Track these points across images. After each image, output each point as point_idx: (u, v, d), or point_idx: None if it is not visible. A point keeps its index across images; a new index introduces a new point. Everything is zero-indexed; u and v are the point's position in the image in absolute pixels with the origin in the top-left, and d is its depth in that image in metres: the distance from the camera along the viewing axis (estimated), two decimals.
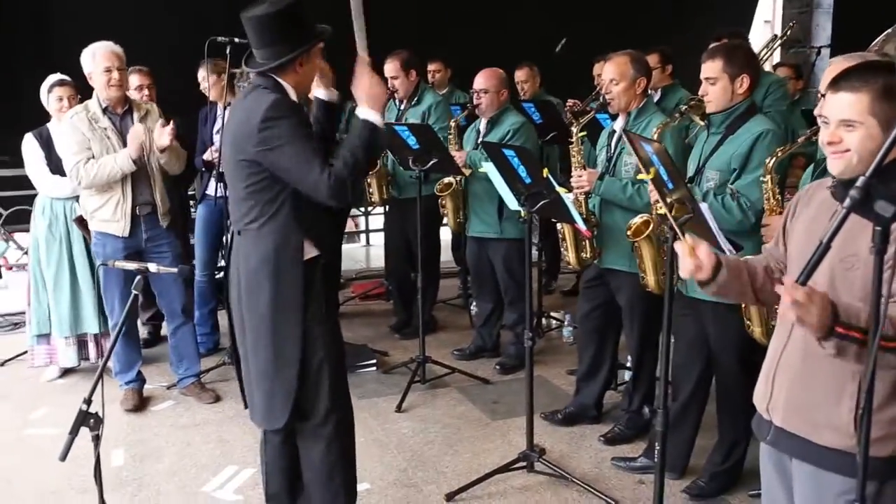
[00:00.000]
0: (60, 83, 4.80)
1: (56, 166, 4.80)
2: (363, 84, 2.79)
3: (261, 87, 2.77)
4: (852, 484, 1.94)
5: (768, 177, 3.07)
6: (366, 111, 2.77)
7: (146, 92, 5.20)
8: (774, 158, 3.06)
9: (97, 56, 4.22)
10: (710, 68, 3.31)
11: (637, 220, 3.54)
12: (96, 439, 2.54)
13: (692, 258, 2.08)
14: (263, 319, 2.82)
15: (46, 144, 4.82)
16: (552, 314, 6.02)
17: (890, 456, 1.96)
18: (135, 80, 5.20)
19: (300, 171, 2.65)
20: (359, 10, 3.33)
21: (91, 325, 4.92)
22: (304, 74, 2.82)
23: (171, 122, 4.34)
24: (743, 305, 3.18)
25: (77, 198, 4.79)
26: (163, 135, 4.23)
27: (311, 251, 2.81)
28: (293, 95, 2.80)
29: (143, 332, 5.58)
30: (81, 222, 4.77)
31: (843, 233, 1.91)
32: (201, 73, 5.09)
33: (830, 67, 2.65)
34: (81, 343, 5.00)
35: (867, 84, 1.96)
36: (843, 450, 1.99)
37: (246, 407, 3.07)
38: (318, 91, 3.03)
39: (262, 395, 2.91)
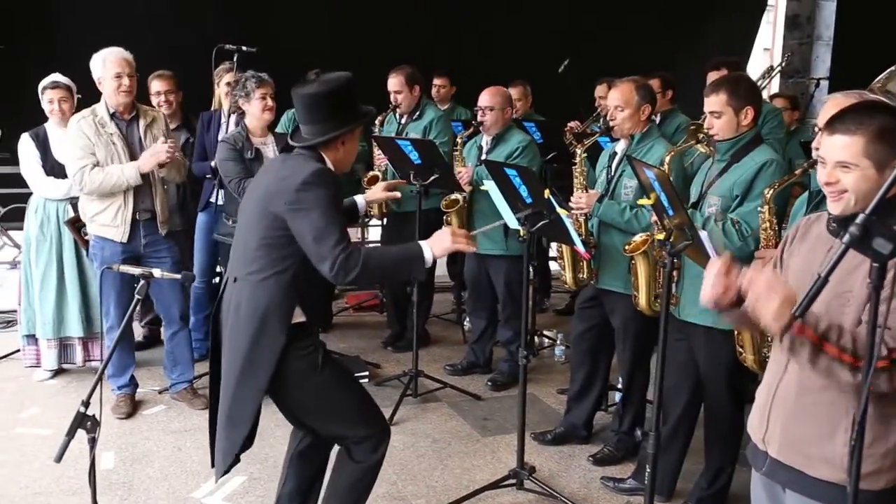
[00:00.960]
0: (53, 86, 4.81)
1: (51, 167, 4.82)
2: (445, 235, 2.89)
3: (306, 155, 2.84)
4: None
5: (766, 207, 3.11)
6: (427, 247, 2.85)
7: (163, 98, 5.21)
8: (773, 190, 3.10)
9: (108, 62, 4.25)
10: (715, 102, 3.34)
11: (637, 238, 3.57)
12: (92, 442, 2.55)
13: (726, 277, 1.99)
14: (233, 371, 2.84)
15: (42, 145, 4.84)
16: (545, 333, 6.04)
17: (882, 489, 2.00)
18: (155, 85, 5.22)
19: (316, 238, 2.70)
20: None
21: (74, 329, 4.93)
22: (345, 152, 2.92)
23: (170, 139, 4.36)
24: (736, 332, 3.21)
25: (71, 199, 4.81)
26: (160, 153, 4.25)
27: (299, 316, 2.85)
28: (333, 170, 2.87)
29: (139, 334, 5.59)
30: (74, 225, 4.79)
31: (839, 269, 1.96)
32: (228, 77, 5.02)
33: (829, 103, 2.69)
34: (64, 346, 5.02)
35: (862, 126, 2.00)
36: (837, 483, 2.01)
37: (213, 465, 3.02)
38: (359, 197, 3.30)
39: (218, 440, 2.96)
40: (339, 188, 2.83)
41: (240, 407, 2.84)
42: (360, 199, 3.34)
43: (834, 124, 2.06)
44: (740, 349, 3.24)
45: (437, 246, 2.86)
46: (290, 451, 3.16)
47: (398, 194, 3.67)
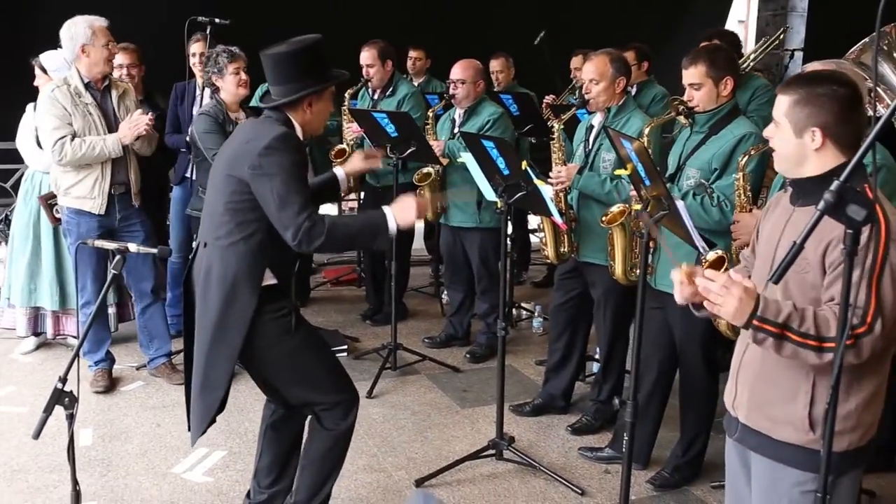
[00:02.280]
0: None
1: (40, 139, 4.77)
2: (408, 203, 2.86)
3: (272, 118, 2.82)
4: (807, 476, 2.06)
5: (740, 174, 3.12)
6: (391, 217, 2.82)
7: (125, 71, 5.14)
8: (747, 157, 3.12)
9: (97, 31, 4.15)
10: (694, 74, 3.33)
11: (615, 208, 3.58)
12: (71, 418, 2.52)
13: (689, 285, 2.09)
14: (205, 336, 2.83)
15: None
16: (523, 305, 6.07)
17: (844, 451, 2.05)
18: (119, 58, 5.14)
19: (279, 206, 2.67)
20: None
21: (46, 301, 4.91)
22: (313, 115, 2.88)
23: (150, 113, 4.31)
24: None
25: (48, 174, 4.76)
26: (140, 125, 4.20)
27: (270, 279, 2.83)
28: (300, 134, 2.84)
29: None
30: (46, 202, 4.74)
31: (792, 238, 2.02)
32: (196, 48, 5.03)
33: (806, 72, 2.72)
34: (37, 316, 5.01)
35: (793, 88, 2.10)
36: (799, 444, 2.09)
37: (189, 428, 3.03)
38: (339, 169, 3.23)
39: (193, 405, 2.95)
40: (305, 154, 2.80)
41: (214, 370, 2.83)
42: (339, 172, 3.30)
43: (786, 83, 2.18)
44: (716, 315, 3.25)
45: (401, 217, 2.83)
46: (263, 423, 3.17)
47: (378, 163, 3.62)
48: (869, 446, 2.13)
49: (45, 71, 4.74)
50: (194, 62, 5.07)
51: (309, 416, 3.05)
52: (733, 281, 1.96)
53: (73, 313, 4.98)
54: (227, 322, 2.78)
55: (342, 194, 3.38)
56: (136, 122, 4.22)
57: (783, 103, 2.11)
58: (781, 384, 2.11)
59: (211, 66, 4.31)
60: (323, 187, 3.26)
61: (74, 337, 5.10)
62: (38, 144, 4.76)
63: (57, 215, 4.74)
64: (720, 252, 3.06)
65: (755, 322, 1.94)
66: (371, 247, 2.95)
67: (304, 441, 3.09)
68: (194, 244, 5.14)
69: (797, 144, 2.09)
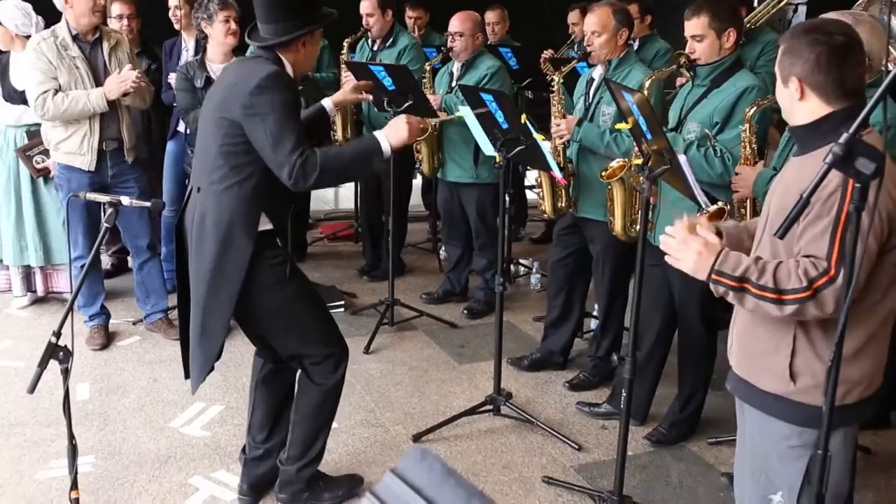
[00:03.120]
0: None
1: (8, 94, 4.67)
2: (400, 121, 2.81)
3: (262, 57, 2.76)
4: (792, 430, 2.07)
5: (746, 125, 3.07)
6: (384, 139, 2.78)
7: (125, 23, 5.05)
8: (756, 108, 3.06)
9: None
10: (696, 25, 3.27)
11: (614, 163, 3.54)
12: (65, 372, 2.52)
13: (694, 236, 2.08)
14: (202, 282, 2.78)
15: (2, 71, 4.68)
16: (521, 261, 6.05)
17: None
18: (116, 8, 5.05)
19: (273, 145, 2.62)
20: None
21: (33, 259, 4.87)
22: (305, 54, 2.83)
23: (139, 69, 4.22)
24: None
25: (27, 127, 4.68)
26: (127, 81, 4.10)
27: (265, 224, 2.79)
28: (291, 73, 2.78)
29: (106, 262, 5.53)
30: (25, 153, 4.67)
31: (782, 189, 2.01)
32: (174, 1, 4.95)
33: None
34: (27, 275, 4.99)
35: (784, 38, 2.13)
36: (781, 395, 2.09)
37: (186, 377, 3.01)
38: (328, 101, 3.14)
39: (192, 354, 2.92)
40: (297, 93, 2.75)
41: (212, 317, 2.80)
42: (327, 103, 3.19)
43: (784, 34, 2.20)
44: None
45: (393, 137, 2.79)
46: (253, 378, 3.15)
47: (369, 96, 3.50)
48: (862, 404, 2.11)
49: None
50: (173, 14, 5.00)
51: (298, 372, 3.03)
52: (693, 235, 2.00)
53: (62, 269, 4.97)
54: (223, 268, 2.74)
55: (331, 126, 3.27)
56: (123, 78, 4.11)
57: (778, 53, 2.13)
58: (765, 335, 2.12)
59: (201, 12, 4.23)
60: (312, 121, 3.14)
61: (69, 292, 5.08)
62: (5, 98, 4.68)
63: (38, 166, 4.68)
64: (721, 204, 3.03)
65: (713, 276, 1.97)
66: (367, 173, 2.87)
67: (295, 396, 3.07)
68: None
69: (786, 94, 2.11)
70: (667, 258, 2.06)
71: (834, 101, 2.04)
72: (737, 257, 1.98)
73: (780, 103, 2.18)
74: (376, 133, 2.81)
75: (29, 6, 4.66)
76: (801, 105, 2.08)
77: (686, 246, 2.01)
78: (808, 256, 1.94)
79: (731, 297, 2.00)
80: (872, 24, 2.61)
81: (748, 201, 3.15)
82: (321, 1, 2.82)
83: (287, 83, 2.69)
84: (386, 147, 2.78)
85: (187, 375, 3.00)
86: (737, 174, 3.08)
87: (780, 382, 2.08)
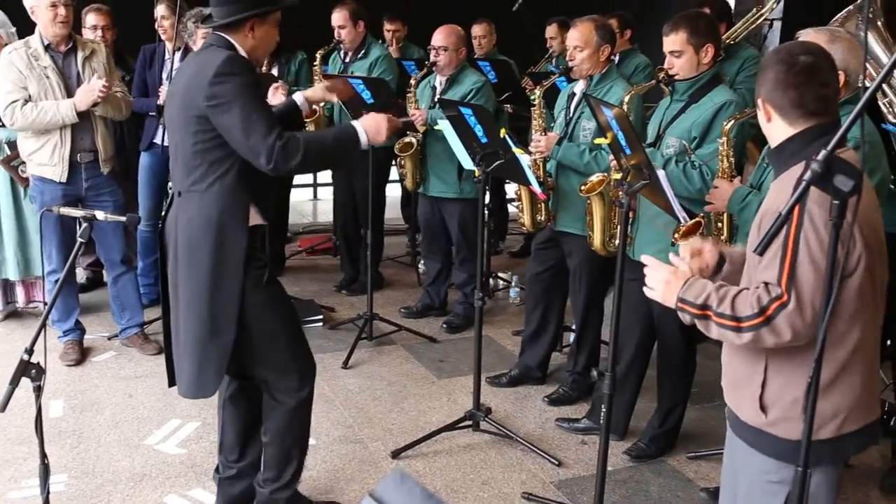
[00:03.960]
0: None
1: None
2: (377, 120, 2.79)
3: (214, 45, 2.70)
4: (772, 464, 2.03)
5: (724, 139, 3.06)
6: (362, 130, 2.76)
7: (100, 33, 5.01)
8: (732, 122, 3.07)
9: None
10: (674, 41, 3.29)
11: (594, 178, 3.54)
12: (38, 390, 2.46)
13: (698, 259, 2.12)
14: (202, 283, 2.71)
15: None
16: (500, 275, 6.04)
17: (797, 440, 1.88)
18: (91, 19, 5.01)
19: (244, 132, 2.56)
20: None
21: (12, 272, 4.81)
22: (258, 40, 2.75)
23: (111, 79, 4.18)
24: None
25: (7, 139, 4.63)
26: (94, 91, 4.05)
27: (255, 218, 2.74)
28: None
29: (81, 276, 5.46)
30: (9, 164, 4.62)
31: (761, 213, 2.04)
32: (161, 10, 4.93)
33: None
34: (6, 288, 4.93)
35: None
36: (756, 427, 2.06)
37: (170, 385, 2.95)
38: (299, 95, 3.05)
39: (194, 363, 2.80)
40: (256, 75, 2.69)
41: (220, 314, 2.72)
42: (298, 97, 3.09)
43: None
44: None
45: (372, 132, 2.77)
46: (220, 396, 3.07)
47: (335, 97, 3.44)
48: (844, 439, 2.01)
49: None
50: (160, 24, 4.97)
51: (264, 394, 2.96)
52: (660, 264, 2.05)
53: (39, 280, 4.90)
54: (221, 265, 2.69)
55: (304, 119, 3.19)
56: (90, 89, 4.07)
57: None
58: (740, 365, 2.10)
59: (183, 30, 4.27)
60: (284, 115, 3.04)
61: (44, 304, 5.01)
62: None
63: (23, 174, 4.62)
64: (699, 217, 3.03)
65: (678, 303, 2.01)
66: (345, 163, 2.81)
67: (263, 419, 2.99)
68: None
69: (760, 117, 2.12)
70: (644, 288, 2.11)
71: (795, 123, 2.03)
72: (702, 285, 1.99)
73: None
74: (354, 123, 2.78)
75: (3, 15, 4.62)
76: (769, 127, 2.09)
77: (656, 274, 2.06)
78: (765, 283, 1.91)
79: (698, 325, 2.00)
80: (850, 40, 2.63)
81: (724, 216, 3.14)
82: None
83: (244, 66, 2.64)
84: (364, 140, 2.76)
85: (171, 384, 2.94)
86: (715, 187, 3.07)
87: (754, 414, 2.05)
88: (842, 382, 1.99)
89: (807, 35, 2.61)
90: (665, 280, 2.03)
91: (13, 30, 4.66)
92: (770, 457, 2.04)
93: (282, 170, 2.61)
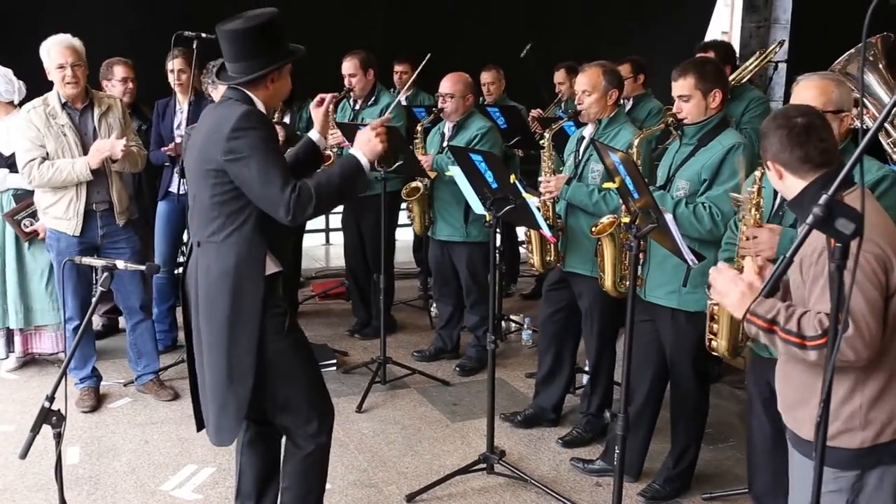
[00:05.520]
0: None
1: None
2: (366, 135, 2.85)
3: (232, 99, 2.78)
4: (829, 473, 2.17)
5: (755, 187, 2.84)
6: (359, 153, 2.83)
7: (130, 85, 5.13)
8: (746, 168, 3.01)
9: (51, 52, 4.11)
10: (683, 86, 3.36)
11: (604, 219, 3.58)
12: (58, 437, 2.51)
13: (760, 277, 2.25)
14: (219, 332, 2.77)
15: None
16: (512, 317, 6.06)
17: (858, 448, 2.19)
18: (119, 71, 5.12)
19: (262, 185, 2.63)
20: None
21: (13, 321, 4.88)
22: (274, 91, 2.84)
23: (125, 136, 4.27)
24: (709, 318, 3.05)
25: (14, 191, 4.73)
26: (103, 150, 4.15)
27: (272, 266, 2.80)
28: (262, 110, 2.80)
29: (97, 323, 5.53)
30: (13, 217, 4.71)
31: (798, 260, 2.16)
32: (174, 64, 5.01)
33: (802, 83, 2.77)
34: (9, 336, 5.00)
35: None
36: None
37: (199, 429, 3.02)
38: (313, 133, 3.10)
39: (216, 409, 2.87)
40: (273, 128, 2.76)
41: (238, 362, 2.76)
42: (314, 135, 3.12)
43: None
44: (712, 336, 3.07)
45: (368, 151, 2.83)
46: (238, 442, 3.09)
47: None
48: None
49: None
50: (173, 79, 5.05)
51: (284, 438, 2.99)
52: (737, 274, 2.22)
53: (43, 330, 5.00)
54: (239, 314, 2.74)
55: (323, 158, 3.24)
56: (100, 148, 4.17)
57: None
58: (799, 385, 2.26)
59: (207, 76, 4.34)
60: (303, 156, 3.09)
61: (51, 353, 5.09)
62: None
63: (26, 229, 4.72)
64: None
65: (749, 315, 2.15)
66: (356, 193, 2.86)
67: (282, 463, 3.03)
68: (181, 258, 5.17)
69: (771, 177, 2.35)
70: (710, 291, 2.26)
71: (807, 175, 2.25)
72: (772, 302, 2.16)
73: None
74: (351, 152, 2.84)
75: (10, 72, 4.73)
76: (782, 184, 2.31)
77: (734, 284, 2.19)
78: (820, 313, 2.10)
79: (762, 338, 2.17)
80: (838, 80, 2.74)
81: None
82: (287, 37, 2.82)
83: (261, 119, 2.71)
84: (365, 163, 2.82)
85: (200, 427, 3.00)
86: (754, 237, 2.83)
87: (813, 430, 2.14)
88: (893, 388, 2.20)
89: (809, 79, 2.69)
90: (741, 291, 2.17)
91: (18, 85, 4.75)
92: (830, 467, 2.16)
93: (300, 220, 2.69)
